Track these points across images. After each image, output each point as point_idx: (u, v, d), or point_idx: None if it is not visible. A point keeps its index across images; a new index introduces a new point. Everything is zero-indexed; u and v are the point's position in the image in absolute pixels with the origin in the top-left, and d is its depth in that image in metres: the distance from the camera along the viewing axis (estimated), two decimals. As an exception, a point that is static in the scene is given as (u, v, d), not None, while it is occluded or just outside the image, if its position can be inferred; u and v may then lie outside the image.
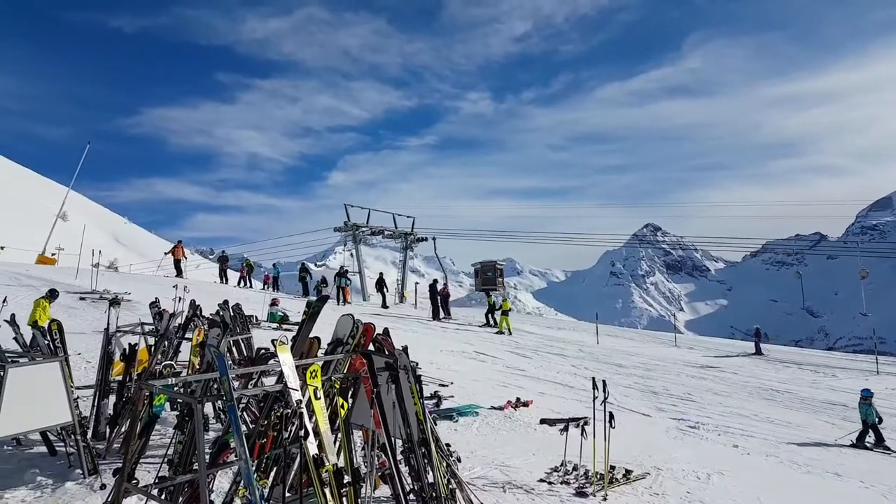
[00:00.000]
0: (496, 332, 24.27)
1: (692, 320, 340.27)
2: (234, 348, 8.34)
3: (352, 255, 37.98)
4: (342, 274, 29.96)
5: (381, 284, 31.10)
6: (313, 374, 4.38)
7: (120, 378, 7.33)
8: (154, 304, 8.73)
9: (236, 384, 6.77)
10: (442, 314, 28.27)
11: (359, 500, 4.27)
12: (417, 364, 5.66)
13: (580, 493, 6.37)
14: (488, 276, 37.38)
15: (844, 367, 23.50)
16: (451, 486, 5.28)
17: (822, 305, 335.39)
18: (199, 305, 8.92)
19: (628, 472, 7.07)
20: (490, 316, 26.81)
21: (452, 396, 10.72)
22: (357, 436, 5.85)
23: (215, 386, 5.22)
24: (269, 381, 5.60)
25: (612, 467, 6.89)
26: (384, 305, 30.03)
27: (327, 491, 3.93)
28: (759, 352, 25.28)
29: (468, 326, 26.11)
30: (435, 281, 29.52)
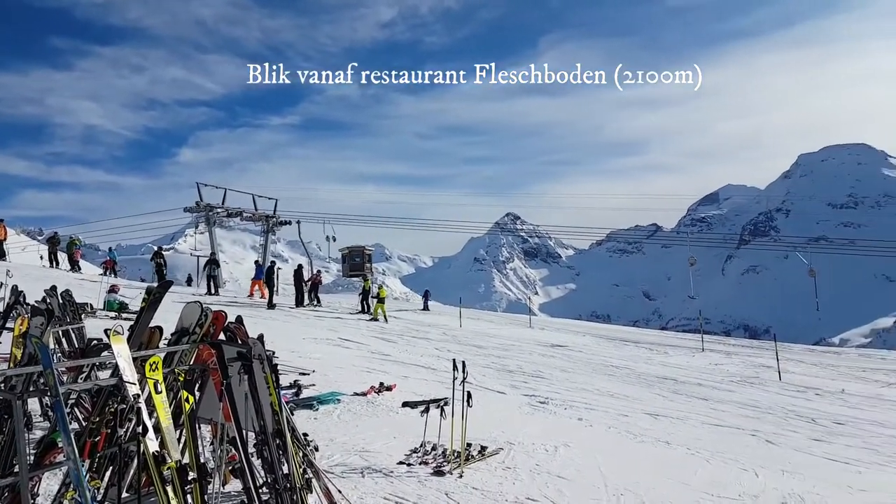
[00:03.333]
0: (370, 319, 24.16)
1: (545, 303, 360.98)
2: (64, 339, 7.60)
3: (205, 237, 35.82)
4: (213, 261, 27.93)
5: (299, 278, 26.86)
6: (153, 366, 4.08)
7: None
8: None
9: (65, 378, 6.18)
10: (314, 301, 27.56)
11: (205, 497, 4.06)
12: (274, 353, 5.47)
13: (438, 472, 6.53)
14: (356, 262, 37.06)
15: (675, 345, 26.08)
16: (307, 476, 5.20)
17: (656, 289, 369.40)
18: (21, 291, 8.02)
19: (483, 448, 7.36)
20: (364, 303, 26.50)
21: (314, 385, 10.53)
22: (206, 430, 5.56)
23: (41, 380, 4.72)
24: (105, 375, 5.15)
25: (469, 445, 7.13)
26: (300, 304, 26.78)
27: (169, 489, 3.70)
28: (426, 308, 29.97)
29: (335, 313, 25.77)
30: (300, 266, 28.69)
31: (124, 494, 4.33)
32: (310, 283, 27.86)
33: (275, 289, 26.19)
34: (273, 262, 28.40)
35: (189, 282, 42.83)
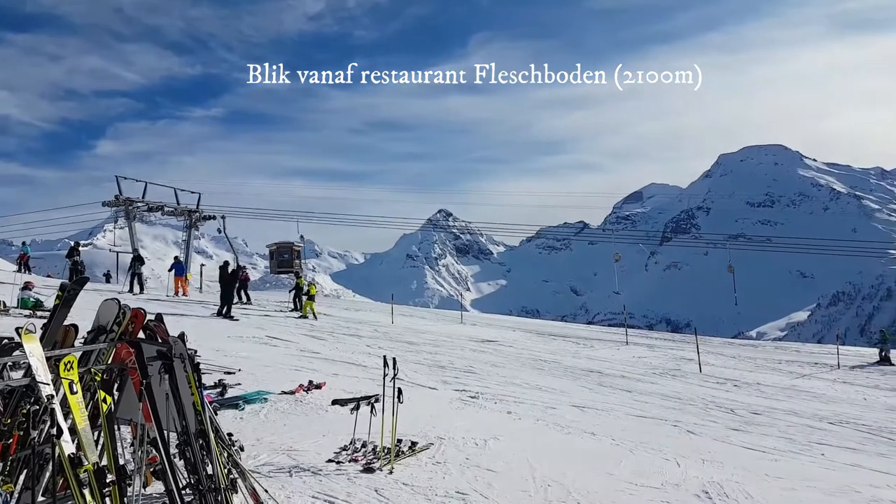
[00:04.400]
0: (300, 317, 23.71)
1: (477, 299, 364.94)
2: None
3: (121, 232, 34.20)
4: (137, 258, 26.55)
5: (226, 276, 26.13)
6: (68, 365, 3.88)
7: None
8: None
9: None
10: (244, 299, 26.77)
11: (125, 499, 3.89)
12: (196, 351, 5.30)
13: (367, 469, 6.49)
14: (284, 258, 36.27)
15: (600, 339, 26.91)
16: (232, 476, 5.08)
17: (584, 285, 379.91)
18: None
19: (414, 443, 7.37)
20: (297, 300, 25.86)
21: (240, 384, 10.25)
22: (126, 431, 5.34)
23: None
24: (18, 375, 4.85)
25: (399, 441, 7.12)
26: (248, 301, 26.41)
27: (87, 492, 3.54)
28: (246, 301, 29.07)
29: (262, 311, 25.19)
30: (226, 263, 27.81)
31: (39, 499, 4.15)
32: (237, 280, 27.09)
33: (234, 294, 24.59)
34: (226, 263, 26.75)
35: (108, 278, 40.89)
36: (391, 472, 6.46)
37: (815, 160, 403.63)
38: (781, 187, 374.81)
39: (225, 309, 21.11)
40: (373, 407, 7.23)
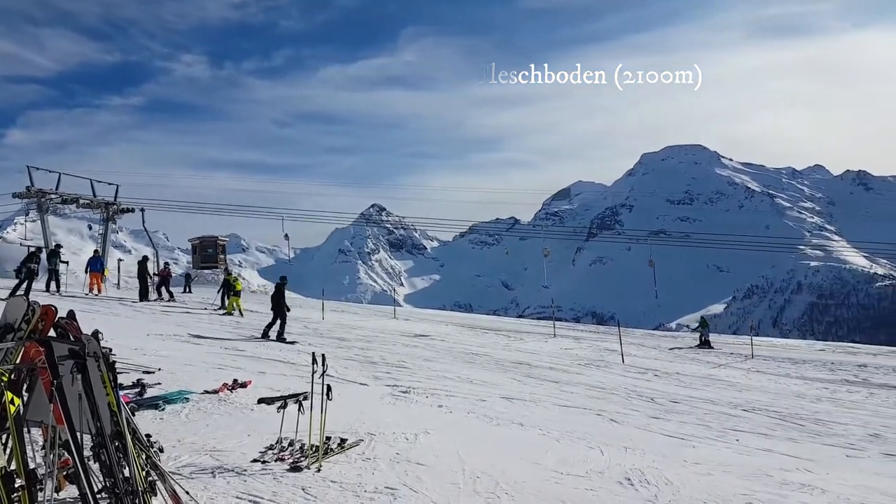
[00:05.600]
0: (224, 314, 23.01)
1: (411, 294, 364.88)
2: None
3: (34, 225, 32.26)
4: (55, 252, 24.92)
5: (143, 271, 25.59)
6: (-32, 367, 3.61)
7: None
8: None
9: None
10: (163, 296, 25.73)
11: (34, 506, 3.67)
12: (111, 350, 5.05)
13: (295, 468, 6.37)
14: (208, 253, 35.06)
15: (530, 332, 27.47)
16: (150, 479, 4.89)
17: (514, 279, 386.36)
18: None
19: (343, 440, 7.28)
20: (224, 297, 24.99)
21: (160, 383, 9.85)
22: (36, 433, 5.05)
23: None
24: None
25: (328, 438, 7.02)
26: (144, 298, 25.15)
27: (-7, 498, 3.34)
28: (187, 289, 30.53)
29: (184, 307, 24.31)
30: (145, 258, 26.69)
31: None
32: (159, 276, 26.07)
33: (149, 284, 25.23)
34: (145, 257, 25.83)
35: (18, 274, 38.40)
36: (319, 470, 6.36)
37: (731, 160, 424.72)
38: (700, 186, 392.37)
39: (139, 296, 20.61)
40: (300, 405, 7.10)
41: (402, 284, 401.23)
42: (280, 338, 17.22)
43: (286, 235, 39.58)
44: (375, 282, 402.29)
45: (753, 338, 28.12)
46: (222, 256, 34.85)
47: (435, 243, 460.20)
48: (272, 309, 18.04)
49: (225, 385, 10.03)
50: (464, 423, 9.60)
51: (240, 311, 23.09)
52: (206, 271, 37.20)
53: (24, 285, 21.17)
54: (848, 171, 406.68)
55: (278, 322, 17.59)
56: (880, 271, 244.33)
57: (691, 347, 25.79)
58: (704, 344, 25.96)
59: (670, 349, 24.71)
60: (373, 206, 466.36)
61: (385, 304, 37.81)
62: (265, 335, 17.37)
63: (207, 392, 9.62)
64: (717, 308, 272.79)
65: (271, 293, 18.54)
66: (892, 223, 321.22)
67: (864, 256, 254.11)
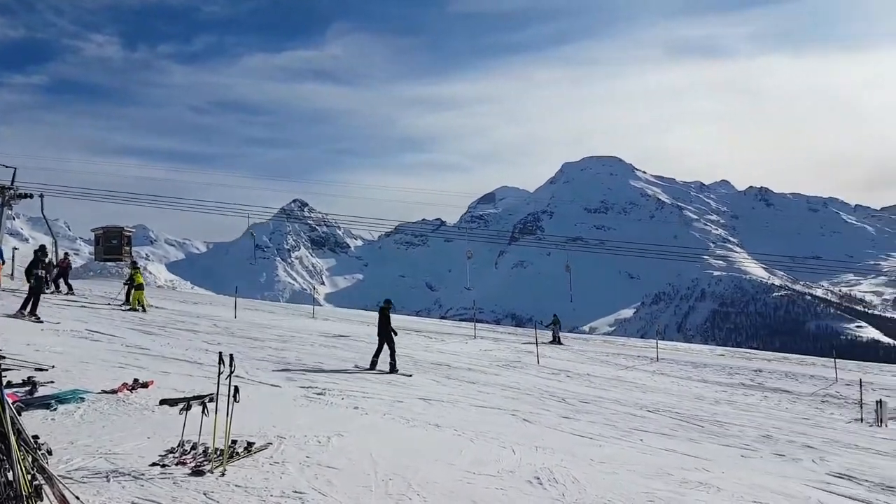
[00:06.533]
0: (128, 309, 21.77)
1: (332, 293, 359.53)
2: None
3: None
4: None
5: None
6: None
7: None
8: None
9: None
10: (62, 289, 24.04)
11: None
12: (-7, 345, 4.64)
13: (197, 472, 6.08)
14: (112, 245, 33.21)
15: (451, 333, 27.64)
16: (36, 483, 4.56)
17: (438, 281, 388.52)
18: None
19: (250, 444, 7.01)
20: (128, 291, 23.56)
21: (52, 382, 9.19)
22: None
23: None
24: None
25: (234, 441, 6.75)
26: (70, 291, 23.40)
27: None
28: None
29: (84, 301, 22.88)
30: (42, 247, 24.85)
31: None
32: (57, 268, 24.40)
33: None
34: (43, 247, 23.55)
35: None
36: (223, 475, 6.10)
37: (645, 172, 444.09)
38: (615, 196, 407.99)
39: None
40: (205, 406, 6.79)
41: (323, 283, 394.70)
42: (393, 369, 14.99)
43: (253, 241, 37.70)
44: (295, 280, 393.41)
45: (659, 342, 29.46)
46: (127, 248, 33.11)
47: (359, 242, 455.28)
48: (378, 335, 15.59)
49: (125, 385, 9.47)
50: (379, 424, 9.48)
51: (143, 306, 21.93)
52: (109, 264, 35.16)
53: (34, 300, 16.56)
54: (751, 187, 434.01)
55: (387, 350, 15.33)
56: (777, 282, 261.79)
57: (543, 343, 26.62)
58: (556, 340, 27.00)
59: (523, 343, 25.19)
60: (294, 201, 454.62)
61: (304, 304, 37.00)
62: (373, 366, 15.14)
63: (105, 392, 9.07)
64: (628, 313, 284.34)
65: (377, 319, 15.91)
66: (790, 237, 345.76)
67: (763, 268, 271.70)
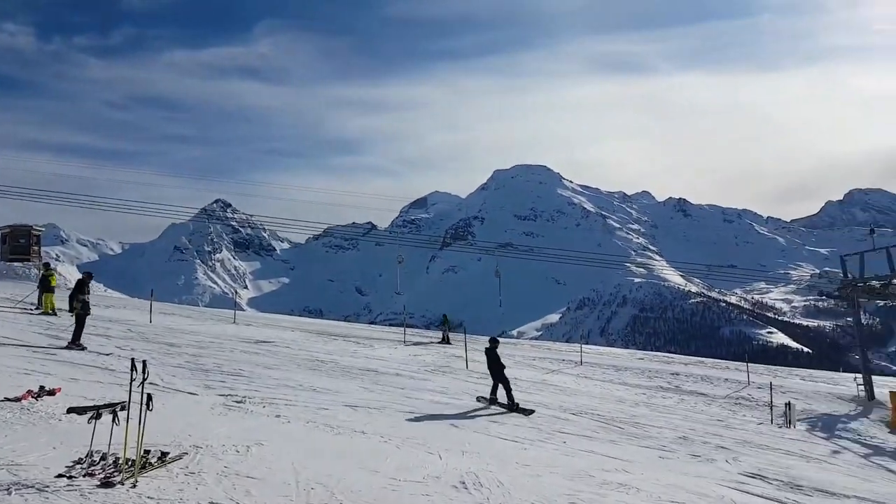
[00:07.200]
0: (41, 313, 20.44)
1: (255, 297, 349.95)
2: None
3: None
4: None
5: None
6: None
7: None
8: None
9: None
10: None
11: None
12: None
13: (106, 484, 5.77)
14: (20, 244, 31.20)
15: (380, 338, 27.39)
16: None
17: (368, 285, 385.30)
18: None
19: (164, 454, 6.70)
20: (41, 293, 21.99)
21: (-54, 391, 8.52)
22: None
23: None
24: None
25: (147, 451, 6.45)
26: None
27: None
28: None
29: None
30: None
31: None
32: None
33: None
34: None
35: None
36: (134, 486, 5.81)
37: (571, 182, 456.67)
38: (543, 204, 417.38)
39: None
40: (116, 415, 6.44)
41: (246, 287, 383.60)
42: (513, 406, 13.51)
43: (209, 250, 35.76)
44: (216, 283, 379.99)
45: (583, 346, 30.26)
46: (36, 248, 31.16)
47: (285, 245, 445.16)
48: (489, 369, 14.42)
49: (29, 392, 8.90)
50: (302, 432, 9.26)
51: (52, 309, 20.66)
52: (16, 264, 33.00)
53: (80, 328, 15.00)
54: (670, 198, 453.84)
55: (502, 387, 13.96)
56: (694, 289, 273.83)
57: (434, 343, 27.14)
58: (444, 340, 27.62)
59: (408, 344, 25.45)
60: (217, 201, 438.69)
61: (226, 308, 35.81)
62: (493, 402, 13.90)
63: (8, 399, 8.52)
64: (554, 318, 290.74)
65: (485, 352, 14.62)
66: (706, 247, 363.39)
67: (681, 275, 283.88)
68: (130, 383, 6.33)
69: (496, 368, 14.23)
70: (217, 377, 13.38)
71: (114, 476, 5.94)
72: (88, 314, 15.34)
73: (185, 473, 6.36)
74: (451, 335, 28.17)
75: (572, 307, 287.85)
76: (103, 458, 6.37)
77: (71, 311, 15.37)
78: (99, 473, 6.03)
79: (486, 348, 14.69)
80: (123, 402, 6.51)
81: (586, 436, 11.88)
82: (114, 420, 6.39)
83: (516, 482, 7.54)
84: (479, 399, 14.35)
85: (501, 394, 13.81)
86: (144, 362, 6.47)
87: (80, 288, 15.48)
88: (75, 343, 14.48)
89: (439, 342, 27.39)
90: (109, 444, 6.41)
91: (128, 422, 6.20)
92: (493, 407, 13.71)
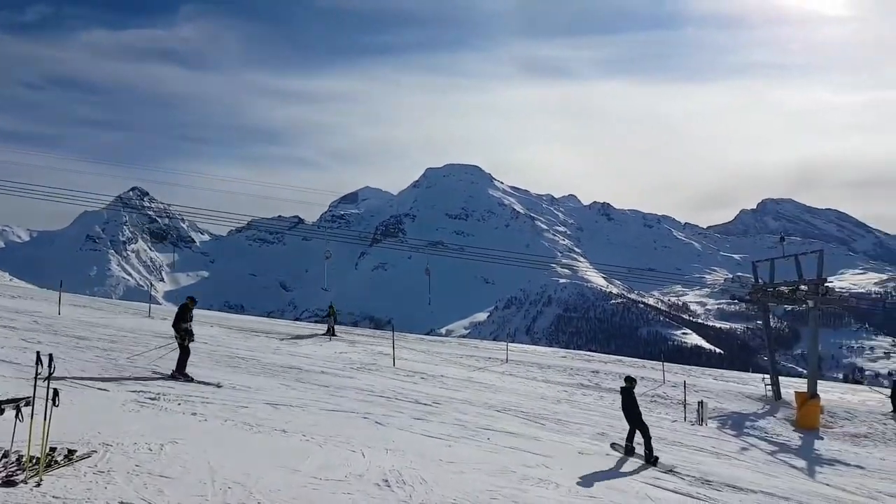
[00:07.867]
0: None
1: (172, 291, 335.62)
2: None
3: None
4: None
5: None
6: None
7: None
8: None
9: None
10: None
11: None
12: None
13: (8, 482, 5.46)
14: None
15: (305, 335, 26.92)
16: None
17: (294, 281, 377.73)
18: None
19: (71, 451, 6.37)
20: None
21: None
22: None
23: None
24: None
25: (53, 449, 6.12)
26: None
27: None
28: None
29: None
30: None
31: None
32: None
33: None
34: None
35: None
36: (39, 485, 5.51)
37: (502, 183, 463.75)
38: (475, 203, 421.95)
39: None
40: (19, 411, 6.08)
41: (162, 280, 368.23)
42: (650, 458, 11.55)
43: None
44: (130, 275, 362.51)
45: (509, 344, 30.79)
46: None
47: (205, 237, 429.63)
48: (624, 411, 12.32)
49: (-83, 389, 8.23)
50: (220, 431, 8.99)
51: None
52: None
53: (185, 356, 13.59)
54: (595, 202, 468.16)
55: (640, 433, 11.98)
56: (615, 290, 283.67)
57: (320, 335, 27.26)
58: (330, 331, 27.86)
59: (294, 337, 25.36)
60: (133, 189, 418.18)
61: (140, 301, 34.25)
62: (629, 451, 11.97)
63: None
64: (482, 316, 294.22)
65: (621, 392, 12.45)
66: (627, 250, 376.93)
67: (603, 277, 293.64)
68: (35, 377, 6.00)
69: (634, 413, 12.12)
70: (129, 373, 12.81)
71: (17, 474, 5.62)
72: (192, 341, 13.88)
73: (93, 472, 6.07)
74: (336, 327, 27.95)
75: (500, 306, 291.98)
76: (5, 455, 6.04)
77: (180, 338, 13.66)
78: (1, 472, 5.68)
79: (622, 387, 12.47)
80: (28, 397, 6.17)
81: (510, 432, 12.10)
82: (17, 416, 6.03)
83: (439, 479, 7.60)
84: (613, 446, 12.38)
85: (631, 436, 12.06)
86: (51, 356, 6.13)
87: (183, 315, 14.04)
88: (181, 373, 13.20)
89: (324, 334, 27.07)
90: (12, 442, 6.06)
91: (32, 418, 5.86)
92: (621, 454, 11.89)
